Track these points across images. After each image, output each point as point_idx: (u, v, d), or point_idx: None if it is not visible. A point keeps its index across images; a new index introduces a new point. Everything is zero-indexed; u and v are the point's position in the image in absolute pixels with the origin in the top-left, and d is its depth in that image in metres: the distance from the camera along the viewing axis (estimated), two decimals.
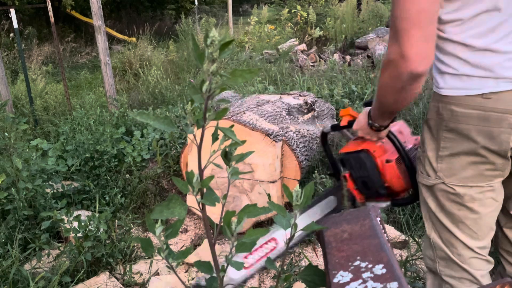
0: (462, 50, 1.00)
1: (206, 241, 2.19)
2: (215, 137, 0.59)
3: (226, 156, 0.61)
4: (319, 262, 2.05)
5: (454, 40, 1.00)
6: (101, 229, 2.00)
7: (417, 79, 0.95)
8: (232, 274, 1.28)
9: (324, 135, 1.59)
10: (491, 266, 1.15)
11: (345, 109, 1.45)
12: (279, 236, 1.40)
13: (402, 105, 1.08)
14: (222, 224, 0.62)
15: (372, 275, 0.51)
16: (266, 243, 1.38)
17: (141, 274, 1.99)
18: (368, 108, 1.26)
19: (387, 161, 1.35)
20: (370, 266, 0.53)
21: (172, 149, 2.93)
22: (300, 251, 2.13)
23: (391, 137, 1.32)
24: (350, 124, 1.40)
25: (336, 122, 1.49)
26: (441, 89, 1.05)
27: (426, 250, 1.22)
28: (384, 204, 1.45)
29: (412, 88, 0.99)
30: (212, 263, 0.67)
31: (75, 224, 2.08)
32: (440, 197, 1.12)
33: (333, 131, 1.54)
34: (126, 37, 9.92)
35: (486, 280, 1.13)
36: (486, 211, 1.08)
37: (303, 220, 1.46)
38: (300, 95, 2.97)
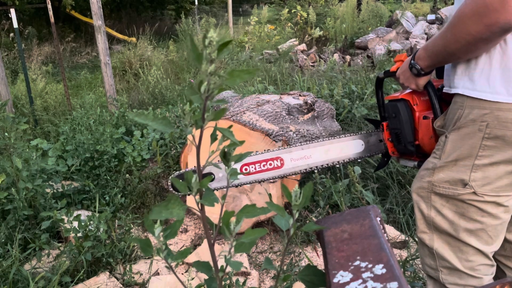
0: None
1: (205, 241, 2.19)
2: (213, 138, 0.59)
3: (225, 156, 0.61)
4: (320, 261, 2.05)
5: None
6: (101, 229, 2.00)
7: (509, 32, 0.88)
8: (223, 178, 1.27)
9: (379, 80, 1.52)
10: (494, 270, 1.14)
11: (401, 54, 1.34)
12: (286, 158, 1.34)
13: (470, 55, 0.97)
14: (221, 224, 0.62)
15: (372, 275, 0.51)
16: (272, 159, 1.33)
17: (141, 274, 1.99)
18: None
19: (425, 118, 1.26)
20: (370, 266, 0.53)
21: (172, 149, 2.93)
22: (301, 251, 2.13)
23: (429, 90, 1.21)
24: None
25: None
26: (480, 92, 0.98)
27: (426, 259, 1.18)
28: (411, 164, 1.37)
29: (496, 41, 0.91)
30: (211, 263, 0.67)
31: (75, 224, 2.08)
32: (461, 205, 1.07)
33: (385, 77, 1.46)
34: (126, 37, 9.92)
35: None
36: (507, 217, 1.07)
37: (329, 149, 1.48)
38: (300, 95, 2.97)
